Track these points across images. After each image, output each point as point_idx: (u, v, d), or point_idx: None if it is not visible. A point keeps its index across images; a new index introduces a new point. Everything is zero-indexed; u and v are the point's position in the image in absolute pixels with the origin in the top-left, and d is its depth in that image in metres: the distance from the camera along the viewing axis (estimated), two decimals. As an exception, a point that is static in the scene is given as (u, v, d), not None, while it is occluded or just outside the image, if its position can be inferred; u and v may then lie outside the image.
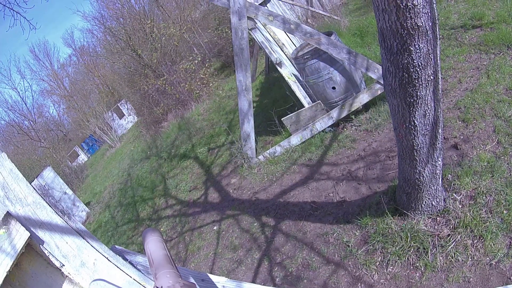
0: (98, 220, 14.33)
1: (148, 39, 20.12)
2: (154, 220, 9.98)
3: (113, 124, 34.61)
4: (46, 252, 1.73)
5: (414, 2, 2.93)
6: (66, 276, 1.79)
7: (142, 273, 1.95)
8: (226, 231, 7.18)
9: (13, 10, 11.16)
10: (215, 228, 7.50)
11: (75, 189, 23.95)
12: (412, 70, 3.31)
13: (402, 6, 2.97)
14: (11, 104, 51.41)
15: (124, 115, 36.30)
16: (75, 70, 54.08)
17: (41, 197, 1.80)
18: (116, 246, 2.16)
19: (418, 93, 3.46)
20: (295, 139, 8.01)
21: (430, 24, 3.10)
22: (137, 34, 20.54)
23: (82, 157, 41.87)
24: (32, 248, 1.75)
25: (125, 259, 1.97)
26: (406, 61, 3.28)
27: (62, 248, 1.75)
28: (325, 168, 6.90)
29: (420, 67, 3.28)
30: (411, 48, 3.18)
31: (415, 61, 3.25)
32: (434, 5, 3.10)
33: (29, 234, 1.68)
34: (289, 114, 8.03)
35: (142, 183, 13.42)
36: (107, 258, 1.86)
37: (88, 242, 1.84)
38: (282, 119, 8.04)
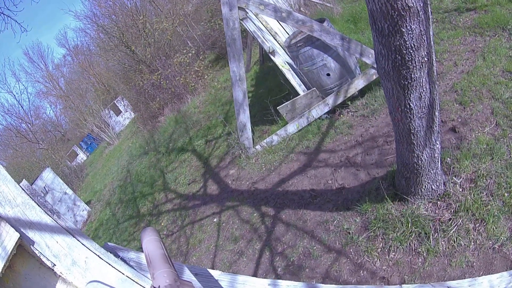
0: (99, 218, 14.37)
1: (141, 35, 20.09)
2: (154, 215, 9.98)
3: (110, 122, 34.58)
4: (37, 252, 1.71)
5: None
6: (59, 276, 1.77)
7: (135, 270, 1.94)
8: (226, 222, 7.17)
9: (3, 14, 11.09)
10: (215, 220, 7.48)
11: (75, 188, 23.99)
12: (405, 52, 3.25)
13: None
14: (8, 107, 51.26)
15: (121, 111, 36.26)
16: (70, 70, 54.08)
17: (30, 197, 1.79)
18: (109, 243, 2.14)
19: (412, 75, 3.40)
20: (291, 128, 7.97)
21: (421, 5, 3.03)
22: (130, 30, 20.48)
23: (81, 156, 41.85)
24: (24, 249, 1.74)
25: (117, 256, 1.96)
26: (398, 43, 3.22)
27: (52, 248, 1.74)
28: (323, 155, 6.87)
29: (413, 48, 3.22)
30: (403, 30, 3.12)
31: (407, 43, 3.19)
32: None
33: (19, 235, 1.66)
34: (284, 102, 7.98)
35: (142, 179, 13.42)
36: (98, 255, 1.85)
37: (78, 241, 1.83)
38: (277, 107, 8.00)
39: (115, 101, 36.20)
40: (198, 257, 6.89)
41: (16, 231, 1.67)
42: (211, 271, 2.18)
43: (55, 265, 1.72)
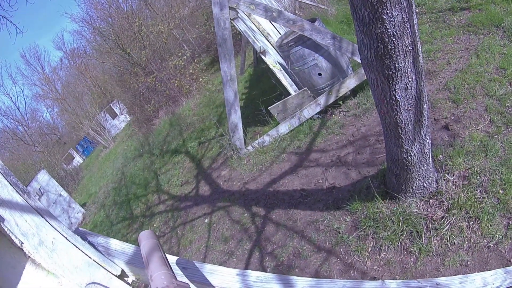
0: (94, 220, 14.36)
1: (136, 38, 20.20)
2: (147, 216, 9.98)
3: (106, 125, 34.67)
4: (6, 230, 1.70)
5: None
6: (28, 256, 1.76)
7: (102, 254, 1.95)
8: (217, 223, 7.13)
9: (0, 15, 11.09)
10: (206, 221, 7.45)
11: (71, 191, 24.02)
12: (387, 40, 3.16)
13: None
14: (4, 110, 51.37)
15: (116, 115, 36.33)
16: (67, 73, 54.00)
17: (3, 176, 1.78)
18: (80, 228, 2.14)
19: (397, 65, 3.32)
20: (283, 128, 7.94)
21: None
22: (126, 33, 20.60)
23: (77, 160, 41.90)
24: None
25: (85, 239, 1.95)
26: (379, 31, 3.13)
27: (21, 226, 1.73)
28: (314, 155, 6.84)
29: (396, 36, 3.14)
30: (384, 17, 3.03)
31: (389, 31, 3.10)
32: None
33: None
34: (276, 102, 7.96)
35: (136, 181, 13.44)
36: (65, 237, 1.85)
37: (47, 221, 1.82)
38: (269, 108, 7.98)
39: (111, 104, 36.27)
40: (189, 258, 6.83)
41: None
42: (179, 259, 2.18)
43: (23, 243, 1.72)
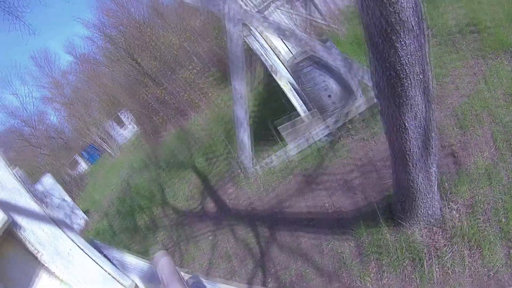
0: (96, 228, 14.33)
1: (147, 48, 20.14)
2: (151, 229, 9.96)
3: (114, 133, 34.63)
4: (22, 237, 1.73)
5: None
6: (43, 265, 1.78)
7: (117, 268, 1.95)
8: (221, 241, 7.12)
9: (13, 14, 11.19)
10: (210, 238, 7.44)
11: (74, 197, 23.90)
12: (399, 68, 3.20)
13: (385, 0, 2.88)
14: (12, 110, 51.28)
15: (124, 124, 36.31)
16: (76, 78, 54.00)
17: (21, 184, 1.82)
18: (95, 240, 2.16)
19: (407, 93, 3.35)
20: (291, 149, 7.95)
21: (415, 19, 3.00)
22: (137, 42, 20.58)
23: (83, 166, 41.82)
24: (11, 234, 1.75)
25: (101, 253, 1.97)
26: (392, 59, 3.17)
27: (38, 235, 1.76)
28: (321, 178, 6.84)
29: (408, 65, 3.17)
30: (397, 45, 3.07)
31: (402, 59, 3.13)
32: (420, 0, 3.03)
33: (6, 218, 1.68)
34: (286, 123, 7.96)
35: (141, 193, 13.42)
36: (82, 249, 1.87)
37: (64, 232, 1.85)
38: (278, 127, 7.99)
39: (119, 113, 36.26)
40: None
41: (4, 213, 1.68)
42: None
43: (39, 252, 1.74)
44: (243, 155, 8.30)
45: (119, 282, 1.89)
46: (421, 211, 4.37)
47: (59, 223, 1.84)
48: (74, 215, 16.60)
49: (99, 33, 27.25)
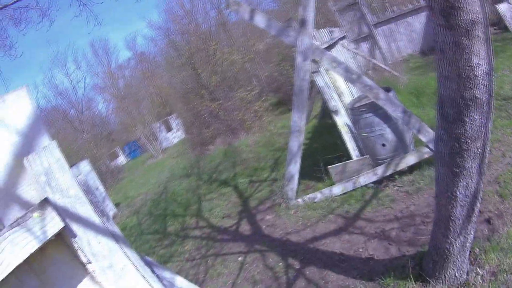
0: (124, 222, 14.55)
1: (210, 61, 20.31)
2: (180, 237, 10.03)
3: (160, 136, 35.01)
4: (76, 246, 1.76)
5: (475, 73, 2.98)
6: (89, 273, 1.81)
7: None
8: (250, 264, 7.15)
9: (81, 1, 11.51)
10: (239, 259, 7.48)
11: (107, 188, 24.21)
12: (463, 140, 3.33)
13: (463, 76, 3.02)
14: (61, 90, 52.10)
15: (172, 129, 36.66)
16: (132, 74, 55.12)
17: (84, 193, 1.84)
18: (147, 257, 2.18)
19: (465, 165, 3.47)
20: (337, 189, 7.99)
21: (487, 97, 3.11)
22: (200, 53, 20.72)
23: (121, 159, 42.27)
24: (63, 238, 1.78)
25: (153, 272, 2.00)
26: (459, 131, 3.30)
27: (93, 247, 1.78)
28: (360, 223, 6.85)
29: (471, 139, 3.29)
30: (466, 119, 3.20)
31: (467, 132, 3.27)
32: (493, 78, 3.13)
33: (63, 225, 1.71)
34: (336, 163, 8.04)
35: (177, 199, 13.55)
36: (136, 267, 1.89)
37: (121, 248, 1.88)
38: (328, 167, 8.06)
39: (168, 118, 36.72)
40: (213, 290, 6.92)
41: (62, 220, 1.72)
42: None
43: (90, 263, 1.77)
44: (288, 186, 8.38)
45: (168, 307, 1.91)
46: (450, 272, 4.40)
47: (117, 239, 1.88)
48: (104, 205, 16.82)
49: (163, 36, 27.75)
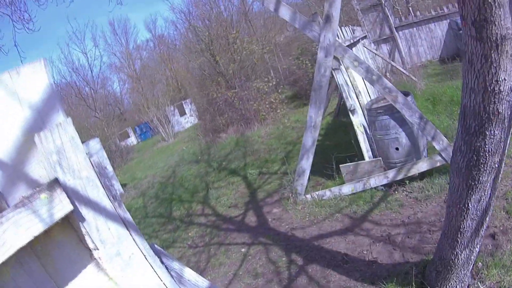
0: (130, 204, 14.48)
1: (229, 49, 20.29)
2: (185, 222, 10.05)
3: (172, 119, 35.00)
4: (83, 230, 1.67)
5: (500, 88, 2.98)
6: (95, 259, 1.74)
7: (174, 281, 1.92)
8: (253, 256, 7.15)
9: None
10: (242, 250, 7.48)
11: (115, 167, 24.26)
12: (482, 154, 3.35)
13: (489, 90, 3.03)
14: (77, 67, 52.26)
15: (185, 114, 36.60)
16: (149, 56, 55.23)
17: (97, 175, 1.75)
18: (156, 245, 2.13)
19: (481, 178, 3.49)
20: (346, 189, 7.96)
21: (509, 113, 3.12)
22: (220, 40, 20.71)
23: (132, 140, 42.38)
24: (70, 221, 1.70)
25: (161, 261, 1.95)
26: (478, 144, 3.33)
27: (102, 233, 1.70)
28: (367, 225, 6.81)
29: (490, 153, 3.32)
30: (487, 133, 3.22)
31: (486, 146, 3.29)
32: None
33: (72, 208, 1.61)
34: (348, 162, 7.99)
35: (184, 184, 13.57)
36: (145, 256, 1.83)
37: (130, 235, 1.80)
38: (340, 165, 8.01)
39: (183, 102, 36.72)
40: (213, 278, 6.88)
41: (71, 203, 1.61)
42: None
43: (98, 249, 1.69)
44: (298, 181, 8.35)
45: (175, 297, 1.84)
46: (451, 283, 4.40)
47: (128, 225, 1.80)
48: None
49: (184, 20, 27.72)
